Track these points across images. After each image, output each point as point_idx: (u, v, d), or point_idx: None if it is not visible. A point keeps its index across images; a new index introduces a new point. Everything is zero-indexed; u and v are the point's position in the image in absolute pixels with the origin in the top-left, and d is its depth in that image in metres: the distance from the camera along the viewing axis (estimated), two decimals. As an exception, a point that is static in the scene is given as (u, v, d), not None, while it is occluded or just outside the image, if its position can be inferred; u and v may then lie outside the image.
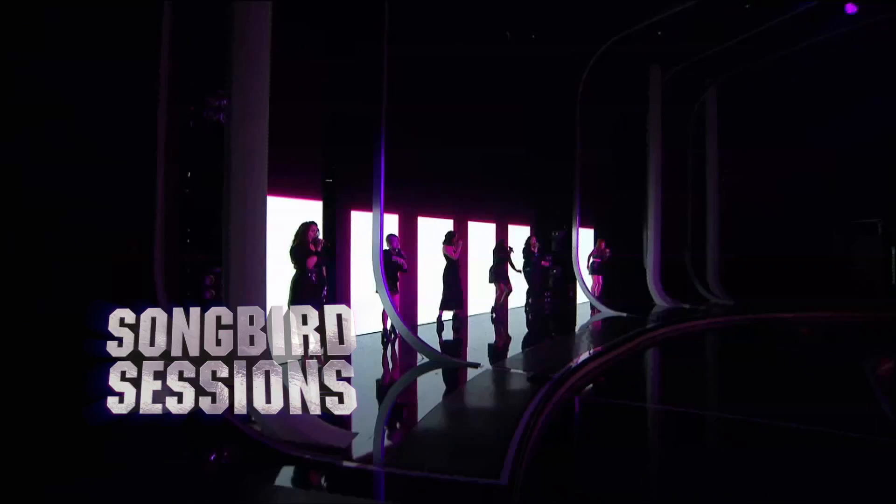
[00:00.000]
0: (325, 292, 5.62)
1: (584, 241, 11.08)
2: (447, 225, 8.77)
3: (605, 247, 10.76)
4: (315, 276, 5.52)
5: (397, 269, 7.00)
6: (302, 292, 5.44)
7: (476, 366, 5.53)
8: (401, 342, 7.30)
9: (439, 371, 5.71)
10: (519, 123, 9.98)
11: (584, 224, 10.83)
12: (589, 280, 10.91)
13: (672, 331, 8.36)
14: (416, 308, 8.27)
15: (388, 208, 7.83)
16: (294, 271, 5.48)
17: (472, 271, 9.35)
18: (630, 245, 11.28)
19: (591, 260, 10.88)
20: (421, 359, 5.80)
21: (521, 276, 9.89)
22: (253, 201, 3.48)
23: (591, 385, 5.46)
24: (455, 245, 8.02)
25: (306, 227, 5.49)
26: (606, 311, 9.60)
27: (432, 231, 8.39)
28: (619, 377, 5.97)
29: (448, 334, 7.67)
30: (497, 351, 6.86)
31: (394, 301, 7.06)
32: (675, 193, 11.41)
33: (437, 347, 6.96)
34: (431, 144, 8.28)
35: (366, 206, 7.28)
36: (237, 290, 3.44)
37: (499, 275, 9.13)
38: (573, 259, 10.13)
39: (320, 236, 5.64)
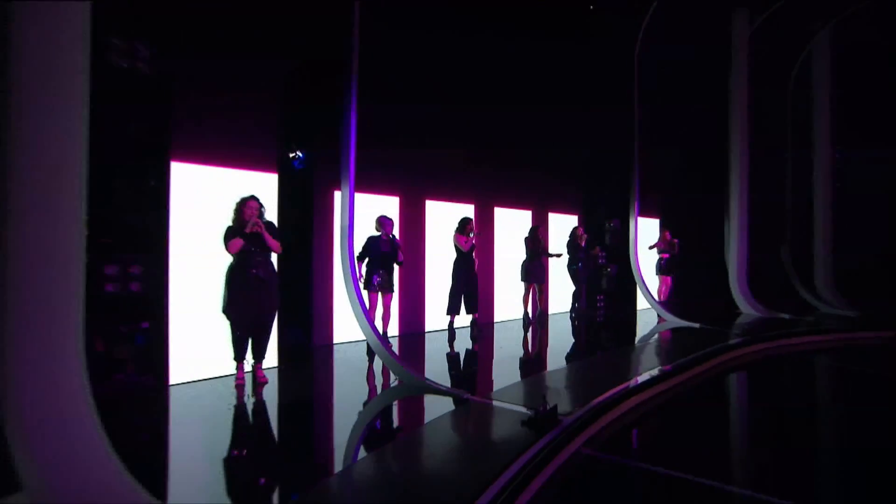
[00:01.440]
0: (267, 284, 4.25)
1: (647, 233, 9.00)
2: (466, 211, 7.16)
3: (672, 237, 8.62)
4: (256, 268, 4.19)
5: (390, 261, 5.54)
6: (238, 287, 4.14)
7: (460, 395, 3.92)
8: (400, 350, 5.84)
9: (413, 399, 4.17)
10: (561, 80, 8.14)
11: (645, 212, 8.75)
12: (655, 281, 8.84)
13: (765, 349, 6.16)
14: (422, 312, 6.75)
15: (386, 188, 6.42)
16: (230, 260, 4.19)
17: (500, 268, 7.67)
18: (707, 238, 9.03)
19: (659, 257, 8.80)
20: (412, 378, 4.29)
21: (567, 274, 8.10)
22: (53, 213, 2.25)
23: (628, 434, 3.64)
24: (468, 234, 6.43)
25: (242, 204, 4.19)
26: (673, 320, 7.51)
27: (446, 218, 6.82)
28: (681, 422, 4.06)
29: (461, 345, 6.08)
30: (511, 372, 5.16)
31: (385, 302, 5.63)
32: (767, 172, 8.99)
33: (440, 362, 5.43)
34: (445, 105, 6.72)
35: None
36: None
37: (530, 272, 7.38)
38: (631, 254, 8.12)
39: (266, 216, 4.29)
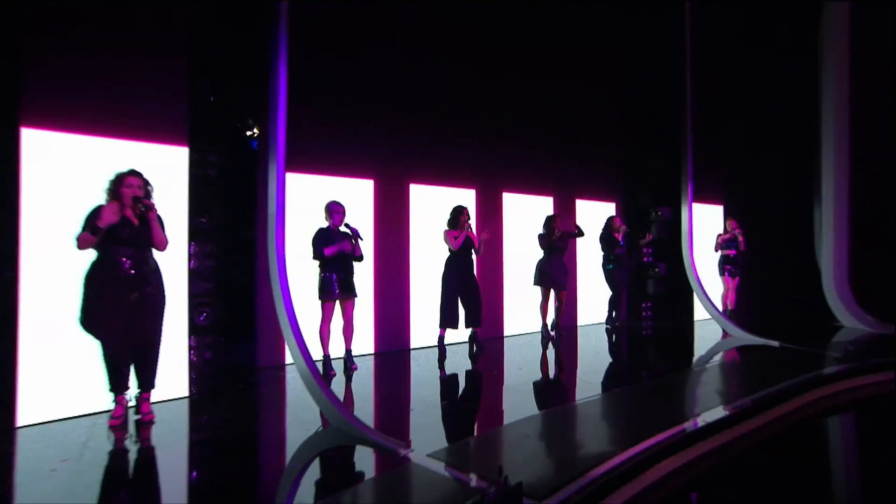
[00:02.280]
0: (147, 289, 3.14)
1: (705, 224, 7.23)
2: (465, 198, 5.80)
3: (736, 228, 6.81)
4: (133, 267, 3.11)
5: (347, 257, 4.32)
6: (106, 293, 3.05)
7: (397, 452, 2.58)
8: (377, 371, 4.59)
9: (336, 453, 2.87)
10: (593, 29, 6.60)
11: (702, 197, 6.99)
12: (718, 285, 7.09)
13: (884, 381, 4.31)
14: (407, 324, 5.43)
15: (354, 169, 5.19)
16: (95, 255, 3.11)
17: (512, 270, 6.22)
18: (790, 230, 7.10)
19: (724, 253, 7.02)
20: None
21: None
22: None
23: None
24: (462, 228, 5.08)
25: (118, 181, 3.12)
26: (743, 336, 5.74)
27: (438, 207, 5.49)
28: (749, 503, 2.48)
29: (450, 367, 4.72)
30: (506, 407, 3.74)
31: (347, 311, 4.39)
32: (874, 142, 6.94)
33: (413, 390, 4.11)
34: (435, 60, 5.44)
35: (309, 166, 4.74)
36: None
37: (545, 273, 5.86)
38: (685, 251, 6.39)
39: (152, 198, 3.19)
